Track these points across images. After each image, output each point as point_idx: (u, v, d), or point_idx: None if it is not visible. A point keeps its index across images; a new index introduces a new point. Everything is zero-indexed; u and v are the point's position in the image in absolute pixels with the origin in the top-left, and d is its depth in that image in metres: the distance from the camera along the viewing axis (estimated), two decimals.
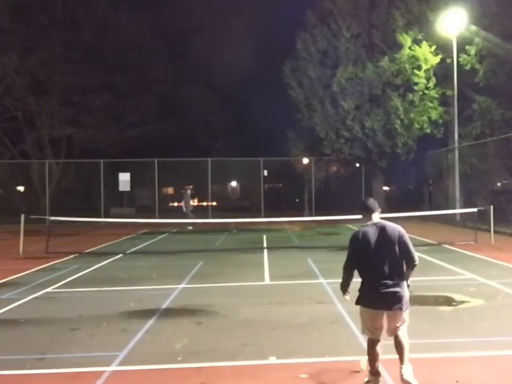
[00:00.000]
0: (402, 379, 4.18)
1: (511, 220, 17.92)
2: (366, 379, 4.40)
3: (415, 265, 4.34)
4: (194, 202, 22.90)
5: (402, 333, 4.33)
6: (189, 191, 22.94)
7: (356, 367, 4.76)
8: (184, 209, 22.25)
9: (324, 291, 8.37)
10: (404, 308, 4.27)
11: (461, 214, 20.23)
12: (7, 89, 29.77)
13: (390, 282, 4.25)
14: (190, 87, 37.46)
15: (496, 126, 20.93)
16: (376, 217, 4.50)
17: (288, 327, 6.27)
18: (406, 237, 4.36)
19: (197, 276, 10.12)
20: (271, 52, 34.27)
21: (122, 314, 7.07)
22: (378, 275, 4.28)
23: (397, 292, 4.25)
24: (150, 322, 6.62)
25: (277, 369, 4.87)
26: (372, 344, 4.39)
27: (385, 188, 32.95)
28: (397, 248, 4.29)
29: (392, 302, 4.25)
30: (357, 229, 4.50)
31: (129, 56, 33.53)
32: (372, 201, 4.58)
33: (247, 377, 4.69)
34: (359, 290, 4.41)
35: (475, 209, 15.50)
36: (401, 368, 4.25)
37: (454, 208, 20.74)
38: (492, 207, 14.60)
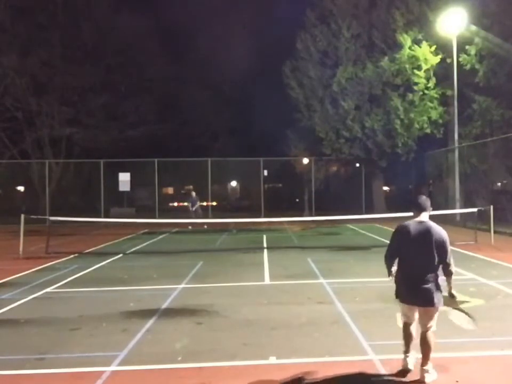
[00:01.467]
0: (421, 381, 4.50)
1: (511, 220, 17.92)
2: (403, 356, 4.77)
3: (450, 272, 4.48)
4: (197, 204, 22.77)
5: (429, 333, 4.58)
6: (193, 193, 22.90)
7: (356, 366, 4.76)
8: (192, 209, 22.16)
9: (324, 291, 8.37)
10: (433, 305, 4.46)
11: (461, 214, 20.22)
12: (7, 89, 29.78)
13: (421, 279, 4.45)
14: (190, 87, 37.49)
15: (496, 126, 20.93)
16: (425, 216, 4.67)
17: (288, 327, 6.27)
18: (447, 243, 4.50)
19: (197, 276, 10.11)
20: (271, 52, 34.34)
21: (122, 314, 7.06)
22: (411, 270, 4.53)
23: (427, 289, 4.44)
24: (150, 322, 6.62)
25: (277, 369, 4.86)
26: (405, 326, 4.80)
27: (385, 188, 32.96)
28: (435, 250, 4.44)
29: (422, 299, 4.48)
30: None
31: (129, 56, 33.53)
32: (423, 200, 4.74)
33: (247, 377, 4.69)
34: (395, 282, 4.68)
35: (475, 209, 15.49)
36: (422, 369, 4.54)
37: (454, 208, 20.72)
38: (491, 207, 14.60)
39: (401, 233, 4.64)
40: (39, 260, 12.53)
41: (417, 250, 4.49)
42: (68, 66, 30.77)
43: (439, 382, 4.50)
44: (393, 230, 4.81)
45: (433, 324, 4.60)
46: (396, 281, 4.68)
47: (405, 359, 4.77)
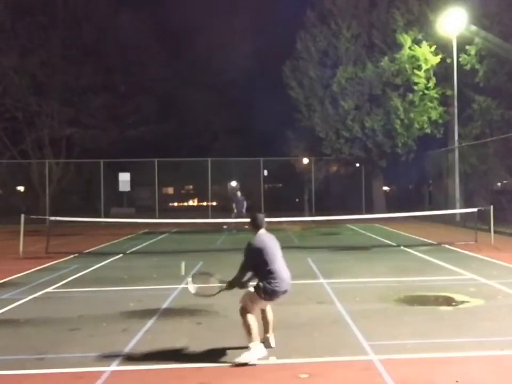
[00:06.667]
0: None
1: (511, 220, 17.92)
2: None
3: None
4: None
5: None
6: (239, 193, 21.24)
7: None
8: (243, 211, 20.23)
9: (324, 291, 8.37)
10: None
11: (461, 214, 20.23)
12: (7, 89, 29.77)
13: None
14: (190, 87, 37.47)
15: (496, 126, 20.94)
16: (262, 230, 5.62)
17: (288, 327, 6.26)
18: (245, 251, 5.40)
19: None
20: (271, 52, 34.28)
21: (122, 314, 7.06)
22: None
23: None
24: (150, 322, 6.61)
25: (277, 369, 4.87)
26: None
27: (385, 188, 32.96)
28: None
29: None
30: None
31: (129, 56, 33.54)
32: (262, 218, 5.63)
33: (247, 377, 4.69)
34: None
35: (475, 209, 15.49)
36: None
37: (454, 208, 20.73)
38: (491, 207, 14.60)
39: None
40: (39, 260, 12.52)
41: None
42: (68, 66, 30.78)
43: (439, 382, 4.50)
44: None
45: (243, 304, 5.29)
46: None
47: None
